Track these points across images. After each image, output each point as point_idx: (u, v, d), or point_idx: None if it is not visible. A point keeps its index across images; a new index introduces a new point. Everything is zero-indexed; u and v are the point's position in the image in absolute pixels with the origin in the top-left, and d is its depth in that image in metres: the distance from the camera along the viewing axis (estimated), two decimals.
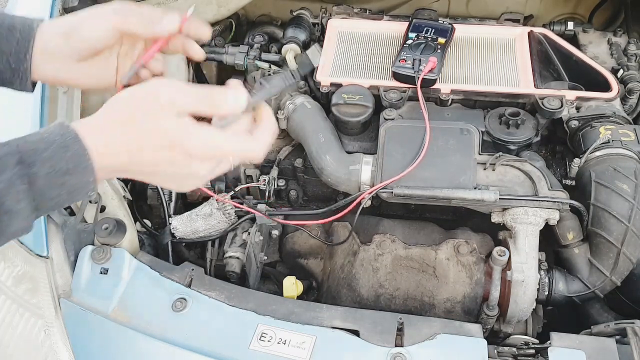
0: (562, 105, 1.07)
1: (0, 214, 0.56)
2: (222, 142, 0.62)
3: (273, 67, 1.25)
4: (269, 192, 1.14)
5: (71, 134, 0.59)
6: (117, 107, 0.62)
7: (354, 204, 1.00)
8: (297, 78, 0.73)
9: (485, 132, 1.07)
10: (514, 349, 0.86)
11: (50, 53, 0.73)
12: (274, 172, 1.15)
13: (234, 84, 0.67)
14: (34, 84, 0.75)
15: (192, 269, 0.95)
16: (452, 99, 1.13)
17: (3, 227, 0.57)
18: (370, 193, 0.99)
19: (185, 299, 0.89)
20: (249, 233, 1.08)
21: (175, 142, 0.60)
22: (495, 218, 1.00)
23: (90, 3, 1.21)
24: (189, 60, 1.31)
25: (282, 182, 1.17)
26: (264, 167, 1.18)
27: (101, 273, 0.92)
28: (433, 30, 1.22)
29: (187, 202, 1.22)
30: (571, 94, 1.10)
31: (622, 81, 1.17)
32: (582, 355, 0.81)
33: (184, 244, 1.12)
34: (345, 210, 1.01)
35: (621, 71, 1.19)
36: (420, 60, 1.13)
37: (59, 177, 0.58)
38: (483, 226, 1.06)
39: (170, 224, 1.10)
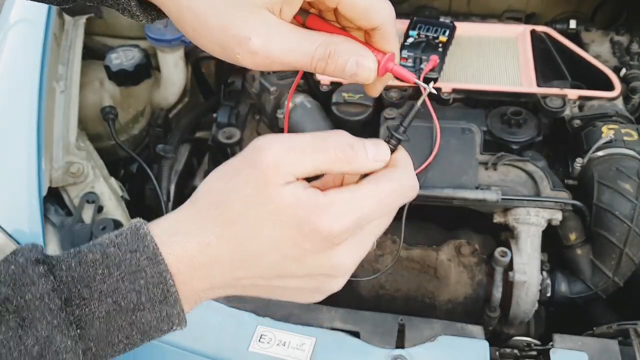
0: (564, 105, 1.06)
1: None
2: (362, 198, 0.41)
3: None
4: None
5: (148, 250, 0.40)
6: (206, 193, 0.43)
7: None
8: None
9: (487, 131, 1.06)
10: (516, 351, 0.86)
11: None
12: None
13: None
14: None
15: None
16: (454, 98, 1.12)
17: None
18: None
19: None
20: None
21: (300, 221, 0.40)
22: (497, 218, 0.99)
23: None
24: (188, 58, 1.30)
25: None
26: None
27: None
28: (434, 29, 1.21)
29: None
30: (573, 93, 1.10)
31: (625, 80, 1.16)
32: (585, 356, 0.80)
33: None
34: None
35: (624, 70, 1.18)
36: (421, 59, 1.12)
37: (125, 315, 0.40)
38: (485, 227, 1.05)
39: None
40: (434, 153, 0.99)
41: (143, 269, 0.40)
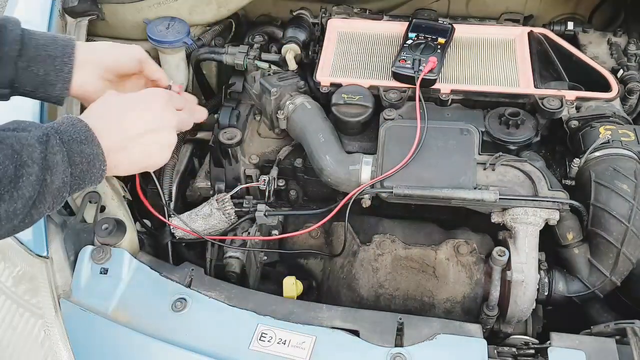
0: (562, 106, 1.07)
1: (44, 169, 0.66)
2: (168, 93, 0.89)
3: (273, 67, 1.25)
4: (269, 192, 1.14)
5: (74, 117, 0.74)
6: (101, 100, 0.82)
7: (345, 200, 0.99)
8: None
9: (485, 132, 1.07)
10: (514, 349, 0.86)
11: (84, 63, 0.88)
12: (274, 172, 1.15)
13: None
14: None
15: (192, 269, 0.95)
16: (452, 99, 1.13)
17: (48, 185, 0.67)
18: (361, 189, 0.99)
19: (185, 299, 0.89)
20: (249, 233, 1.08)
21: (147, 100, 0.83)
22: (495, 218, 1.00)
23: (90, 4, 1.21)
24: (189, 60, 1.31)
25: (282, 182, 1.17)
26: (264, 167, 1.18)
27: (101, 273, 0.92)
28: (433, 30, 1.22)
29: (187, 202, 1.22)
30: (571, 94, 1.10)
31: (622, 81, 1.17)
32: (582, 355, 0.81)
33: (183, 244, 1.12)
34: (337, 208, 1.00)
35: (621, 71, 1.19)
36: (420, 60, 1.13)
37: (77, 144, 0.70)
38: (483, 226, 1.06)
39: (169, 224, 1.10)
40: (412, 149, 1.00)
41: (75, 124, 0.73)
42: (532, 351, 0.86)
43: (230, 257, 1.04)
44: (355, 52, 1.25)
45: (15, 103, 1.03)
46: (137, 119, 0.80)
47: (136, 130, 0.79)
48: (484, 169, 1.01)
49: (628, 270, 0.96)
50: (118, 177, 1.10)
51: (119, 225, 0.96)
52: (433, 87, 1.13)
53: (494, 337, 1.00)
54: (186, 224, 1.08)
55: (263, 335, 0.85)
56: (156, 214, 1.07)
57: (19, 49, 0.83)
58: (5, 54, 0.83)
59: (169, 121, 0.84)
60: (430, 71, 1.11)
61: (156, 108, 0.83)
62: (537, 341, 0.96)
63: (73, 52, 0.87)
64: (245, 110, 1.23)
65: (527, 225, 0.96)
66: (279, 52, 1.29)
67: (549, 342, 0.84)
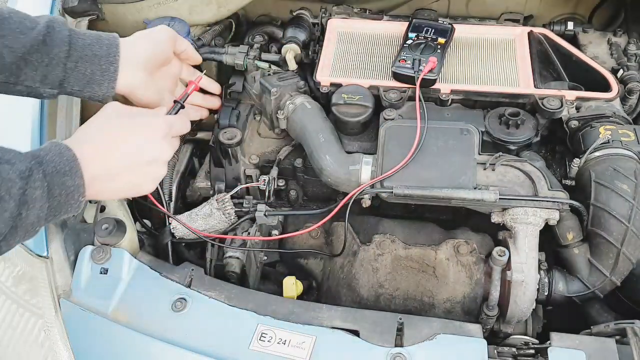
0: (562, 106, 1.07)
1: (20, 205, 0.64)
2: (169, 118, 0.86)
3: (273, 67, 1.25)
4: (269, 192, 1.14)
5: (62, 145, 0.72)
6: (101, 121, 0.79)
7: (345, 200, 0.99)
8: None
9: (485, 132, 1.07)
10: (514, 349, 0.86)
11: (129, 61, 0.87)
12: (274, 172, 1.15)
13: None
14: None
15: (192, 269, 0.95)
16: (452, 99, 1.13)
17: (22, 219, 0.65)
18: (361, 189, 0.99)
19: (185, 299, 0.89)
20: (249, 233, 1.08)
21: (147, 128, 0.80)
22: (495, 218, 1.00)
23: (90, 4, 1.22)
24: None
25: (282, 182, 1.17)
26: (264, 167, 1.18)
27: (101, 273, 0.92)
28: (433, 30, 1.22)
29: (186, 202, 1.22)
30: (571, 94, 1.10)
31: (622, 81, 1.17)
32: (582, 355, 0.81)
33: (183, 244, 1.12)
34: (337, 208, 1.00)
35: (621, 71, 1.19)
36: (420, 60, 1.13)
37: (59, 176, 0.68)
38: (483, 226, 1.06)
39: (170, 223, 1.10)
40: (412, 149, 1.00)
41: (63, 152, 0.71)
42: (532, 351, 0.86)
43: (230, 257, 1.04)
44: (355, 52, 1.25)
45: (15, 108, 1.04)
46: (132, 149, 0.77)
47: (128, 161, 0.77)
48: (484, 169, 1.01)
49: (628, 270, 0.96)
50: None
51: (119, 225, 0.96)
52: (433, 87, 1.13)
53: (494, 337, 1.00)
54: (186, 224, 1.08)
55: (263, 335, 0.85)
56: (162, 208, 1.07)
57: (67, 50, 0.82)
58: (56, 56, 0.82)
59: (164, 154, 0.82)
60: (430, 71, 1.11)
61: (154, 139, 0.80)
62: (537, 341, 0.96)
63: (118, 52, 0.86)
64: (245, 110, 1.23)
65: (527, 225, 0.96)
66: (279, 52, 1.29)
67: (549, 342, 0.84)
